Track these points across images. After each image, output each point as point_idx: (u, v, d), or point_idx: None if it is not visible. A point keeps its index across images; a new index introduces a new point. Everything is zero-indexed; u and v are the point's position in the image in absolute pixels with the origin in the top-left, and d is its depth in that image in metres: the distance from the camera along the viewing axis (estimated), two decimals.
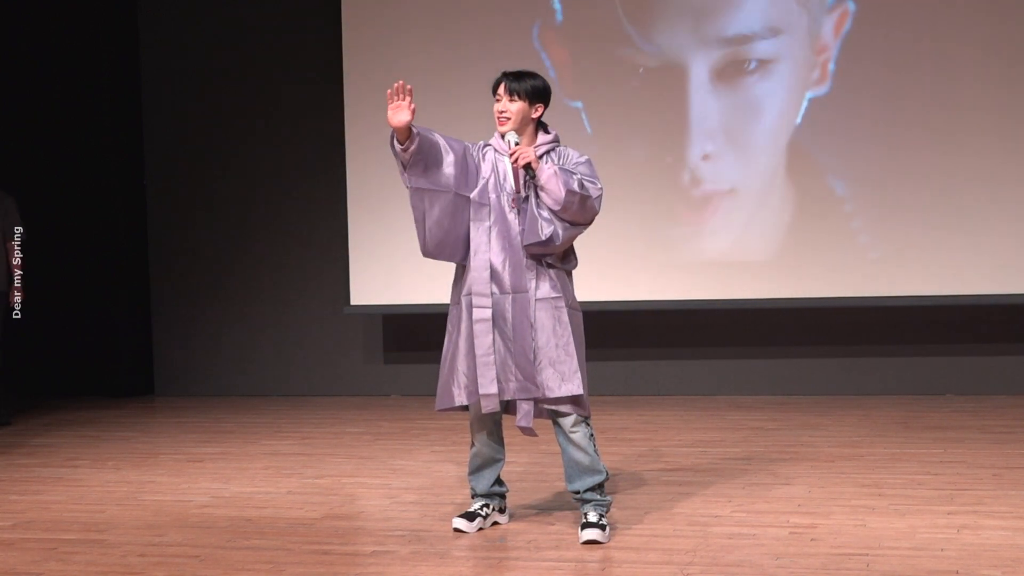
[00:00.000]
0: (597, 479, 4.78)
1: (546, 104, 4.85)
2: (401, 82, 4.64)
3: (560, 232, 4.71)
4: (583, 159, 4.85)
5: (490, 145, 4.88)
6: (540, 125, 4.88)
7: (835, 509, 5.06)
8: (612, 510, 5.04)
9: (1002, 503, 5.07)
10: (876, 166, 7.93)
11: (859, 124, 7.95)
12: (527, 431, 4.78)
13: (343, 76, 8.65)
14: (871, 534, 4.67)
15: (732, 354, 8.41)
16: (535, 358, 4.72)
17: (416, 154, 4.67)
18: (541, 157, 4.79)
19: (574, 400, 4.74)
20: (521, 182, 4.74)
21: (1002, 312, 7.99)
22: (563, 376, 4.72)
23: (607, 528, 4.72)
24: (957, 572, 4.16)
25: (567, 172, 4.73)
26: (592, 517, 4.74)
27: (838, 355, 8.26)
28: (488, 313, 4.75)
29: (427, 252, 4.86)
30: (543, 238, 4.71)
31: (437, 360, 8.38)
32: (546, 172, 4.69)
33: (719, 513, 5.06)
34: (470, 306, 4.77)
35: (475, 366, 4.76)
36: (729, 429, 7.06)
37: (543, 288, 4.77)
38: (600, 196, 4.78)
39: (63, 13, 9.26)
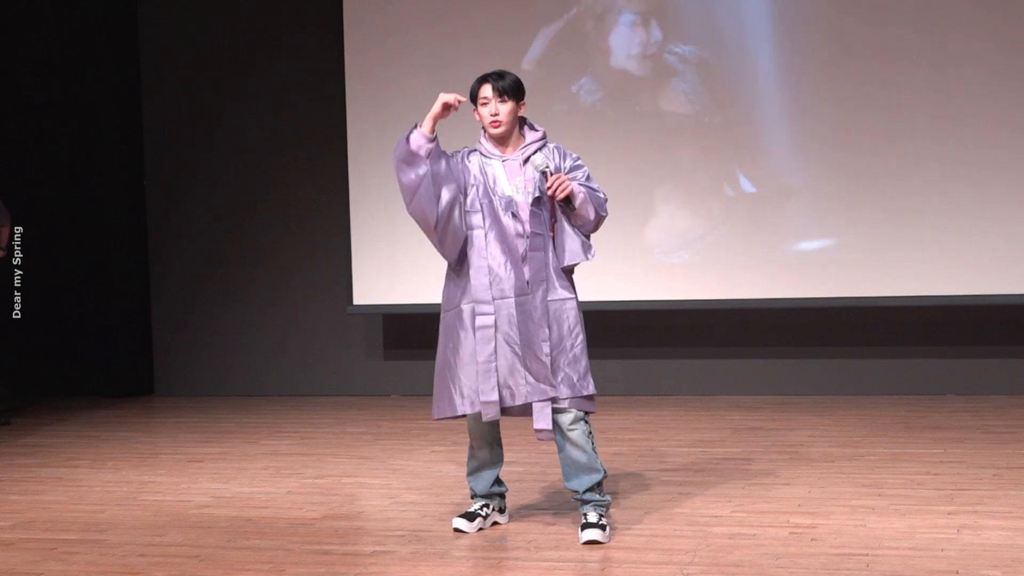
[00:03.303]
0: (595, 478, 4.77)
1: (524, 99, 4.84)
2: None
3: None
4: (579, 161, 4.85)
5: (476, 151, 4.85)
6: (524, 122, 4.86)
7: (835, 509, 5.06)
8: (612, 510, 5.04)
9: (1002, 503, 5.07)
10: (876, 166, 7.93)
11: (859, 124, 7.95)
12: (544, 434, 4.73)
13: (344, 76, 8.65)
14: (871, 534, 4.67)
15: (732, 354, 8.41)
16: (550, 359, 4.71)
17: (436, 149, 4.68)
18: (528, 159, 4.77)
19: (586, 399, 4.75)
20: (558, 211, 4.73)
21: (1002, 312, 7.99)
22: (578, 376, 4.72)
23: (607, 528, 4.72)
24: (957, 572, 4.16)
25: (591, 190, 4.75)
26: (592, 517, 4.73)
27: (838, 355, 8.26)
28: (490, 320, 4.73)
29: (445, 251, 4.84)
30: (589, 258, 4.76)
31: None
32: (579, 198, 4.69)
33: (719, 513, 5.06)
34: (472, 313, 4.76)
35: (468, 375, 4.75)
36: (729, 429, 7.06)
37: (555, 289, 4.75)
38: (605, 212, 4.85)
39: (63, 13, 9.26)
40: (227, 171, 9.22)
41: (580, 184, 4.75)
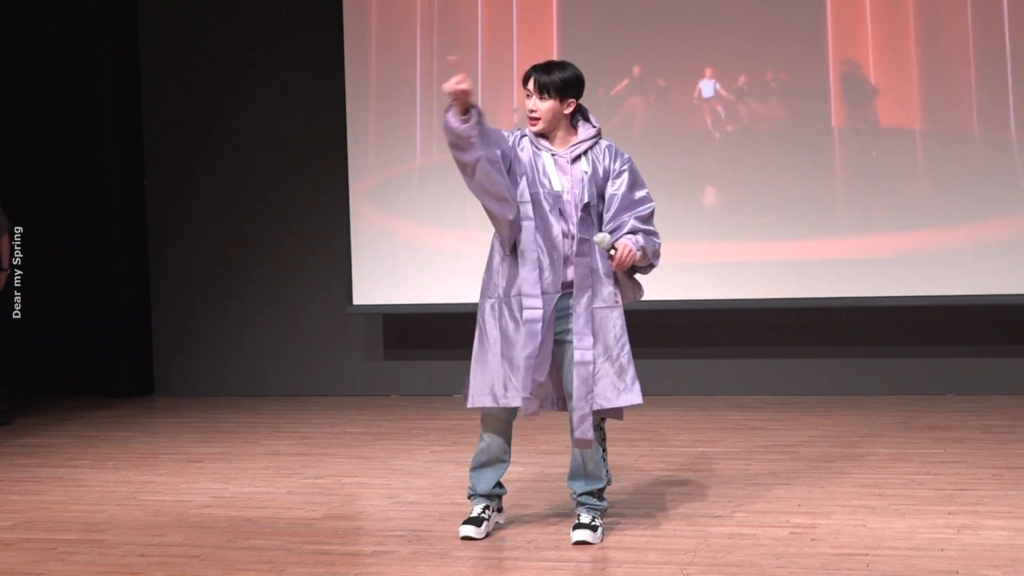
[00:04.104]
0: (596, 485, 4.76)
1: (578, 96, 4.66)
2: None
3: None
4: (626, 164, 4.69)
5: (526, 135, 4.69)
6: (580, 114, 4.70)
7: (835, 509, 5.06)
8: (611, 510, 5.04)
9: (1002, 503, 5.07)
10: (875, 166, 7.93)
11: (857, 123, 7.95)
12: (583, 444, 4.64)
13: (344, 75, 8.64)
14: (871, 534, 4.67)
15: (732, 354, 8.41)
16: (594, 367, 4.62)
17: (483, 127, 4.43)
18: (578, 158, 4.65)
19: (617, 409, 4.69)
20: (623, 275, 4.66)
21: (1002, 312, 7.99)
22: (625, 386, 4.65)
23: (599, 530, 4.71)
24: (957, 572, 4.16)
25: (647, 235, 4.61)
26: (584, 518, 4.72)
27: (838, 355, 8.26)
28: (539, 314, 4.58)
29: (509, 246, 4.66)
30: (638, 298, 4.72)
31: (437, 359, 8.44)
32: (638, 255, 4.58)
33: (719, 513, 5.06)
34: (519, 306, 4.61)
35: (512, 367, 4.62)
36: (729, 429, 7.06)
37: (603, 294, 4.64)
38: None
39: (63, 13, 9.26)
40: (227, 171, 9.22)
41: (637, 223, 4.61)
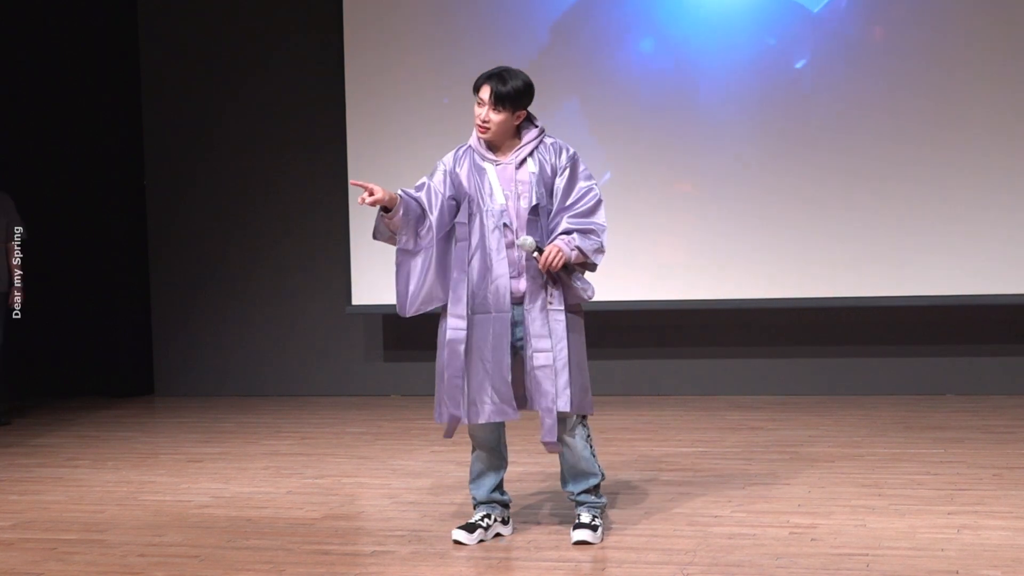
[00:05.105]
0: (592, 482, 4.75)
1: (529, 105, 4.63)
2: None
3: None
4: (570, 160, 4.63)
5: (469, 148, 4.68)
6: (525, 119, 4.67)
7: (835, 509, 5.06)
8: (610, 510, 5.04)
9: (1002, 503, 5.08)
10: (876, 165, 7.93)
11: (858, 124, 7.95)
12: (551, 447, 4.65)
13: (344, 75, 8.65)
14: (871, 534, 4.67)
15: (732, 354, 8.41)
16: (554, 369, 4.57)
17: (404, 216, 4.60)
18: (524, 161, 4.61)
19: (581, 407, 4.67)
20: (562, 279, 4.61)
21: (1002, 312, 7.99)
22: (557, 391, 4.60)
23: (599, 529, 4.70)
24: (957, 572, 4.16)
25: (583, 234, 4.55)
26: (584, 518, 4.71)
27: (838, 355, 8.26)
28: (462, 335, 4.60)
29: (410, 311, 4.73)
30: (588, 298, 4.63)
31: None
32: (573, 257, 4.53)
33: (719, 513, 5.06)
34: (447, 326, 4.63)
35: (446, 384, 4.63)
36: (729, 429, 7.06)
37: (552, 296, 4.61)
38: (604, 221, 4.66)
39: (63, 13, 9.26)
40: (227, 172, 9.22)
41: (571, 222, 4.56)
